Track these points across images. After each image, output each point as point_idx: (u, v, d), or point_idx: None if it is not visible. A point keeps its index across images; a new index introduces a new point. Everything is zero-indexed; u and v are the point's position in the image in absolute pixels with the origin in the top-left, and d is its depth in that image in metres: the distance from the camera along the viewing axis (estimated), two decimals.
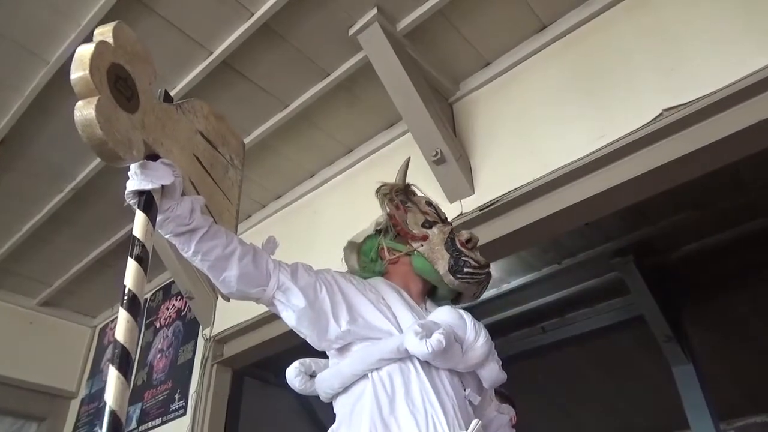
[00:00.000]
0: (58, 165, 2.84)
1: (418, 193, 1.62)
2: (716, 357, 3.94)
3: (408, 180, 1.61)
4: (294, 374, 1.36)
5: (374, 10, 2.20)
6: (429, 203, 1.58)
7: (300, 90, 2.55)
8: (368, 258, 1.53)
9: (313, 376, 1.36)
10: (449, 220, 1.63)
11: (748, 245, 3.33)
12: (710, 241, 3.37)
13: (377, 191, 1.60)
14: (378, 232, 1.55)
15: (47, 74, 2.35)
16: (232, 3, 2.17)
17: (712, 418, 3.53)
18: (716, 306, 3.84)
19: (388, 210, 1.54)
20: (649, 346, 3.86)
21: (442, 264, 1.42)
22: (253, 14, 2.21)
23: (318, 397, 1.35)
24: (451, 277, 1.41)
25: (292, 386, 1.36)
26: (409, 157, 1.69)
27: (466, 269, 1.41)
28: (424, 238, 1.47)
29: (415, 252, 1.46)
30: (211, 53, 2.34)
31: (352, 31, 2.27)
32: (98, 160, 2.75)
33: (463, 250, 1.44)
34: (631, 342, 4.17)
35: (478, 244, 1.52)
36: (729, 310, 3.87)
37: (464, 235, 1.49)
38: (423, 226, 1.49)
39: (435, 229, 1.48)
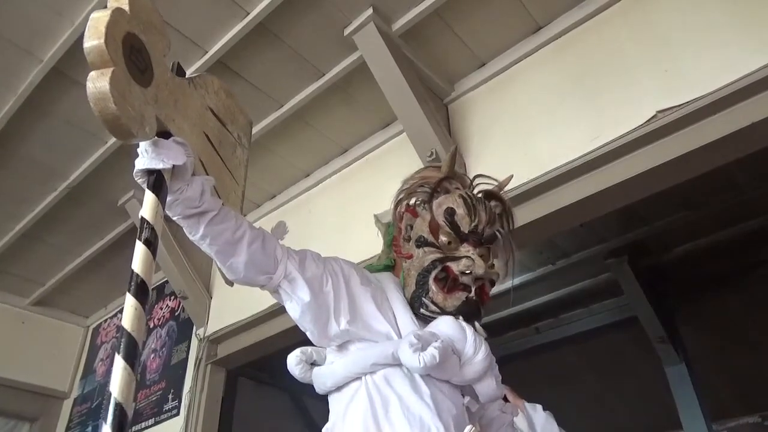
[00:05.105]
0: (51, 164, 2.82)
1: (456, 191, 1.36)
2: (709, 358, 3.94)
3: (412, 181, 1.43)
4: (295, 362, 1.34)
5: (369, 10, 2.19)
6: (451, 212, 1.31)
7: (295, 90, 2.55)
8: (386, 243, 1.49)
9: (314, 364, 1.34)
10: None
11: (742, 246, 3.35)
12: (704, 242, 3.38)
13: (403, 182, 1.44)
14: None
15: (41, 72, 2.33)
16: (228, 2, 2.16)
17: (705, 419, 3.54)
18: (710, 307, 3.85)
19: (396, 211, 1.42)
20: (642, 347, 3.86)
21: (408, 291, 1.32)
22: (248, 13, 2.20)
23: (312, 395, 1.33)
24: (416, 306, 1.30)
25: (292, 373, 1.34)
26: (456, 146, 1.49)
27: (422, 310, 1.28)
28: (409, 257, 1.35)
29: (403, 264, 1.38)
30: (206, 52, 2.34)
31: (347, 31, 2.26)
32: (91, 159, 2.75)
33: (432, 287, 1.27)
34: (625, 342, 4.17)
35: None
36: (723, 310, 3.88)
37: (462, 264, 1.27)
38: (417, 242, 1.34)
39: (420, 252, 1.32)
